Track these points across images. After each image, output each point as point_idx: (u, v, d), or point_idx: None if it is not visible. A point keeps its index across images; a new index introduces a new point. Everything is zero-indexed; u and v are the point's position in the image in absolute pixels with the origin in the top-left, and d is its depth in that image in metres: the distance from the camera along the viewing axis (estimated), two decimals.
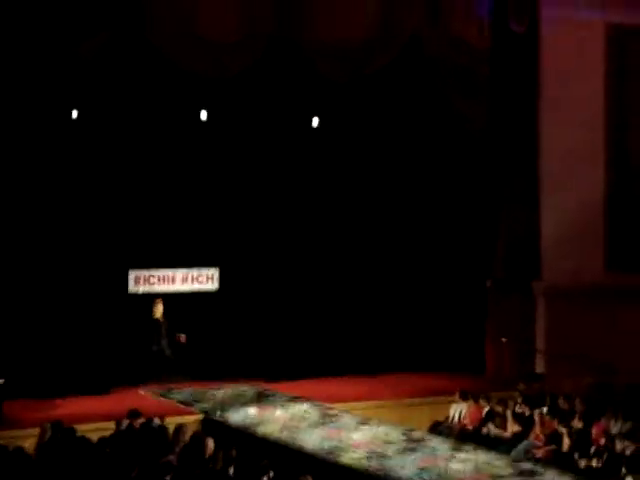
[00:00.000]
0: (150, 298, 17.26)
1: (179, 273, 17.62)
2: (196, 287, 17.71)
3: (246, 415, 14.82)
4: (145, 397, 16.27)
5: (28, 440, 12.51)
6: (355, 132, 18.21)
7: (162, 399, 16.10)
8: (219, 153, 17.67)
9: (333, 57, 16.36)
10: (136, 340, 17.11)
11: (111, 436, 12.35)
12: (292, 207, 18.18)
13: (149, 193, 17.33)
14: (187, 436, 12.01)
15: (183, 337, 16.41)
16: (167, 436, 12.13)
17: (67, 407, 15.54)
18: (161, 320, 16.51)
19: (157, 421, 13.02)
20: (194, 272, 17.70)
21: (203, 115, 17.12)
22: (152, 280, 17.38)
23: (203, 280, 17.77)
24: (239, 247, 17.96)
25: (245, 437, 13.78)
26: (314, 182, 18.27)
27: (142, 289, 17.31)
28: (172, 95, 16.83)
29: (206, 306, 17.75)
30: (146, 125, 17.01)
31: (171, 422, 13.59)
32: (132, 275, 17.25)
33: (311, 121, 17.71)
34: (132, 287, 17.26)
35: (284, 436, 13.56)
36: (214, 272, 17.82)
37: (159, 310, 16.55)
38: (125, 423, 12.76)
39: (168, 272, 17.55)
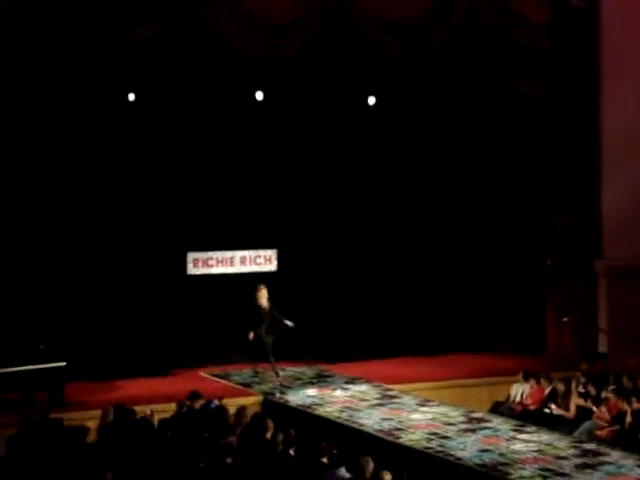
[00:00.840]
0: (207, 280, 17.34)
1: (237, 255, 17.66)
2: (255, 269, 17.73)
3: (305, 396, 14.84)
4: (204, 379, 16.38)
5: (90, 422, 12.64)
6: (412, 112, 18.06)
7: (222, 381, 16.19)
8: (276, 135, 17.65)
9: (390, 33, 16.19)
10: (195, 322, 17.22)
11: (172, 418, 12.43)
12: (349, 187, 18.09)
13: (207, 176, 17.37)
14: (248, 417, 12.07)
15: (290, 323, 15.92)
16: (227, 418, 12.18)
17: (128, 389, 15.69)
18: (265, 305, 16.04)
19: (217, 402, 13.09)
20: (252, 254, 17.73)
21: (259, 96, 17.08)
22: (210, 262, 17.45)
23: (261, 262, 17.79)
24: (297, 228, 17.94)
25: (305, 418, 13.81)
26: (373, 162, 18.16)
27: (201, 271, 17.37)
28: (228, 77, 16.84)
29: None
30: (203, 107, 17.05)
31: (231, 404, 13.69)
32: (190, 257, 17.33)
33: (367, 100, 17.58)
34: (191, 269, 17.33)
35: (344, 417, 13.56)
36: (272, 253, 17.83)
37: (263, 295, 16.07)
38: (186, 405, 12.83)
39: (226, 254, 17.59)
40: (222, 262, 17.54)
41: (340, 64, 17.07)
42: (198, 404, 12.82)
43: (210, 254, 17.45)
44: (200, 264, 17.38)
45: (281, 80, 17.04)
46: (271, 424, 11.22)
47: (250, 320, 15.88)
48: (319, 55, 16.72)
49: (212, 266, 17.46)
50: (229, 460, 10.01)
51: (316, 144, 17.79)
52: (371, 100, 17.61)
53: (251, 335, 15.75)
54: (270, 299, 16.03)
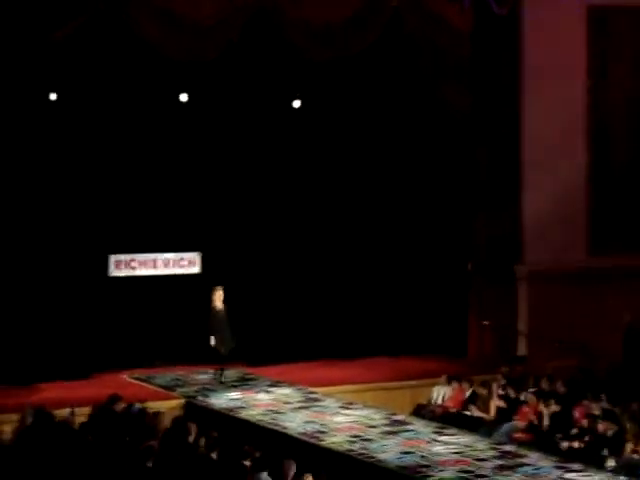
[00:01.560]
0: (130, 282, 17.21)
1: (160, 257, 17.55)
2: (178, 271, 17.65)
3: (229, 399, 14.79)
4: (127, 382, 16.22)
5: (7, 425, 12.42)
6: (337, 115, 18.12)
7: (144, 384, 16.05)
8: (200, 137, 17.57)
9: (314, 37, 16.25)
10: (117, 324, 17.06)
11: (92, 421, 12.29)
12: (273, 190, 18.09)
13: (129, 177, 17.22)
14: (167, 421, 11.99)
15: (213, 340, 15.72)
16: (149, 421, 12.08)
17: (48, 392, 15.46)
18: (220, 308, 15.91)
19: (138, 406, 12.97)
20: (175, 256, 17.64)
21: (183, 97, 17.01)
22: (133, 264, 17.32)
23: (185, 264, 17.71)
24: (221, 231, 17.87)
25: (228, 421, 13.76)
26: (295, 165, 18.19)
27: (123, 273, 17.23)
28: (152, 78, 16.72)
29: (188, 290, 17.68)
30: (125, 108, 16.89)
31: (153, 407, 13.58)
32: (113, 259, 17.17)
33: (292, 103, 17.62)
34: (113, 271, 17.18)
35: (267, 420, 13.55)
36: (196, 256, 17.76)
37: (219, 298, 15.93)
38: (106, 408, 12.70)
39: (149, 256, 17.47)
40: (145, 264, 17.41)
41: (265, 67, 17.08)
42: (119, 407, 12.69)
43: (133, 256, 17.32)
44: (123, 266, 17.23)
45: (205, 82, 16.98)
46: (193, 427, 11.16)
47: (206, 324, 15.86)
48: (244, 57, 16.69)
49: (135, 268, 17.32)
50: (150, 464, 9.93)
51: (240, 147, 17.75)
52: (296, 103, 17.64)
53: (212, 341, 15.71)
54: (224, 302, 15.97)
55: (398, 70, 17.79)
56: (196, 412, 14.25)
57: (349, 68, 17.31)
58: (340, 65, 17.05)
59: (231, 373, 16.50)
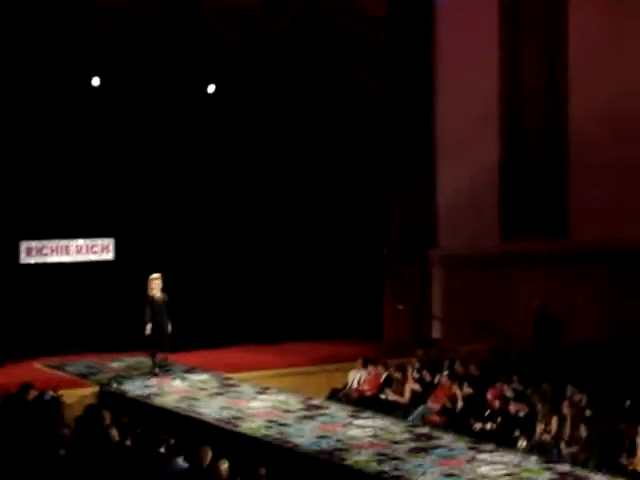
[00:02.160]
0: (42, 269, 16.93)
1: (73, 244, 17.30)
2: (91, 257, 17.43)
3: (144, 386, 14.67)
4: (39, 370, 15.97)
5: None
6: (252, 100, 18.04)
7: (57, 372, 15.82)
8: (113, 121, 17.33)
9: (230, 20, 16.16)
10: (29, 312, 16.77)
11: (2, 410, 12.06)
12: (188, 175, 17.95)
13: (40, 162, 16.90)
14: (81, 410, 11.84)
15: (170, 327, 15.17)
16: (61, 409, 11.91)
17: None
18: (159, 297, 15.23)
19: (51, 394, 12.78)
20: (89, 242, 17.40)
21: (95, 81, 16.76)
22: (45, 251, 17.04)
23: (98, 250, 17.49)
24: (135, 217, 17.67)
25: (143, 408, 13.64)
26: (210, 150, 18.06)
27: (34, 260, 16.94)
28: (64, 61, 16.43)
29: (102, 276, 17.47)
30: (37, 91, 16.56)
31: (66, 395, 13.40)
32: (24, 246, 16.87)
33: (207, 88, 17.49)
34: (24, 258, 16.87)
35: (183, 406, 13.47)
36: (109, 242, 17.55)
37: (157, 286, 15.24)
38: (17, 397, 12.48)
39: (61, 243, 17.21)
40: (57, 251, 17.14)
41: (180, 51, 16.91)
42: (31, 396, 12.48)
43: (44, 242, 17.03)
44: (34, 252, 16.94)
45: (119, 66, 16.75)
46: (107, 415, 11.03)
47: (143, 312, 15.21)
48: (159, 41, 16.51)
49: (47, 255, 17.04)
50: (62, 452, 9.79)
51: (154, 131, 17.56)
52: (211, 88, 17.52)
53: (148, 328, 15.08)
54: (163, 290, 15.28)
55: (314, 55, 17.78)
56: (110, 400, 14.10)
57: (265, 53, 17.27)
58: (256, 50, 17.01)
59: (146, 360, 16.36)
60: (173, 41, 16.74)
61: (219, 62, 17.29)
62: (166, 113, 17.53)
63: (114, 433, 10.36)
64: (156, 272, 17.03)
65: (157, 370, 15.24)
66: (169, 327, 15.22)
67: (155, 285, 15.24)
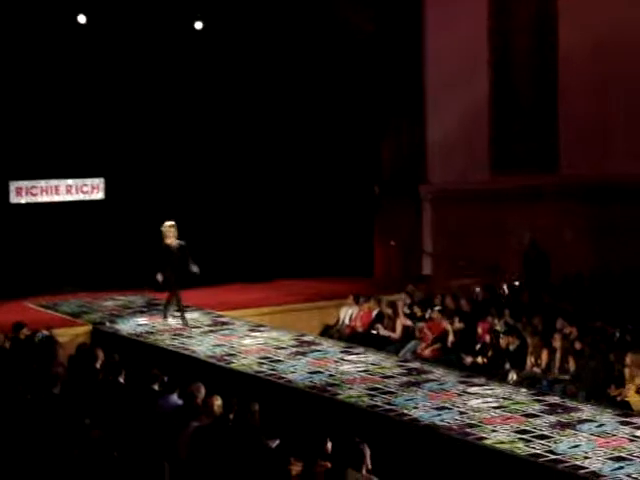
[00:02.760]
0: (32, 209, 16.91)
1: (63, 184, 17.25)
2: (81, 197, 17.39)
3: (136, 325, 14.74)
4: (32, 309, 16.02)
5: None
6: (241, 38, 17.87)
7: (49, 311, 15.88)
8: (100, 60, 17.18)
9: None
10: (20, 252, 16.79)
11: None
12: (177, 114, 17.85)
13: (29, 102, 16.79)
14: (73, 348, 11.90)
15: (196, 268, 14.44)
16: (55, 348, 11.97)
17: None
18: (174, 245, 14.46)
19: (45, 333, 12.84)
20: (79, 182, 17.36)
21: (81, 19, 16.58)
22: (34, 191, 17.01)
23: (88, 190, 17.46)
24: (125, 156, 17.61)
25: (136, 346, 13.73)
26: (199, 90, 17.94)
27: (25, 200, 16.91)
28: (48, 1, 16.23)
29: (92, 216, 17.46)
30: (24, 30, 16.40)
31: (59, 334, 13.46)
32: (13, 186, 16.82)
33: (194, 24, 17.31)
34: (13, 198, 16.83)
35: (175, 344, 13.55)
36: (99, 182, 17.51)
37: (172, 233, 14.49)
38: (9, 335, 12.54)
39: (51, 183, 17.16)
40: (47, 191, 17.11)
41: None
42: (23, 335, 12.54)
43: (34, 182, 16.98)
44: (24, 193, 16.90)
45: (105, 3, 16.55)
46: (100, 353, 11.10)
47: (155, 261, 14.49)
48: None
49: (36, 195, 17.01)
50: (56, 390, 9.86)
51: (142, 70, 17.43)
52: (198, 25, 17.34)
53: (159, 277, 14.46)
54: (179, 238, 14.55)
55: None
56: (103, 338, 14.17)
57: None
58: None
59: (137, 299, 16.43)
60: None
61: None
62: (154, 50, 17.38)
63: (108, 371, 10.42)
64: (146, 212, 17.03)
65: (184, 320, 14.60)
66: (195, 268, 14.46)
67: (170, 233, 14.52)
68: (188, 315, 15.16)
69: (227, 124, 18.22)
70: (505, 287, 16.77)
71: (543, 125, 19.34)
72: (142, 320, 15.06)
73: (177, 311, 14.75)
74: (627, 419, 10.18)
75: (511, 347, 13.15)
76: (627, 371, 11.71)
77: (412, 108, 18.53)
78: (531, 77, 19.28)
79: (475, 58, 18.68)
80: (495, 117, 19.08)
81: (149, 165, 17.73)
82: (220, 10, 17.36)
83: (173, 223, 14.64)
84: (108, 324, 14.81)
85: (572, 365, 12.40)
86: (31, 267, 16.95)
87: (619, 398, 11.60)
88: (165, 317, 14.81)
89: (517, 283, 16.65)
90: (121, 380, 10.38)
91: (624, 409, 10.89)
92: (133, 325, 14.73)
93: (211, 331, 14.35)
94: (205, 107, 18.03)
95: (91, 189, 17.47)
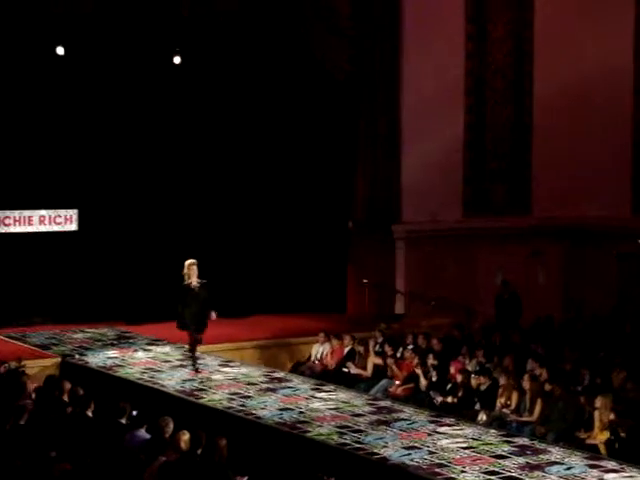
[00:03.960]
0: (5, 240, 16.83)
1: (36, 214, 17.19)
2: (55, 228, 17.33)
3: (106, 357, 14.66)
4: (1, 341, 15.89)
5: None
6: (217, 72, 17.92)
7: (19, 343, 15.75)
8: (77, 91, 17.17)
9: None
10: None
11: None
12: (153, 146, 17.84)
13: (2, 132, 16.74)
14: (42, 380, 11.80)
15: (214, 314, 13.86)
16: (23, 380, 11.86)
17: None
18: (196, 285, 13.75)
19: (13, 364, 12.74)
20: (52, 213, 17.30)
21: (60, 51, 16.59)
22: (7, 221, 16.92)
23: (62, 221, 17.40)
24: (98, 188, 17.57)
25: (105, 379, 13.63)
26: (174, 121, 17.94)
27: None
28: (28, 31, 16.23)
29: (65, 247, 17.38)
30: (1, 62, 16.39)
31: (28, 365, 13.36)
32: None
33: (172, 59, 17.37)
34: None
35: (145, 378, 13.47)
36: (73, 213, 17.46)
37: (194, 273, 13.72)
38: None
39: (25, 213, 17.10)
40: (20, 221, 17.03)
41: (144, 20, 16.76)
42: None
43: (7, 213, 16.92)
44: None
45: (83, 35, 16.59)
46: (68, 385, 11.02)
47: (176, 301, 13.82)
48: (123, 10, 16.37)
49: (9, 225, 16.93)
50: (23, 422, 9.77)
51: (119, 101, 17.43)
52: (177, 59, 17.40)
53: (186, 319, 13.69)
54: (200, 277, 13.73)
55: (280, 27, 17.68)
56: (72, 371, 14.07)
57: (232, 25, 17.15)
58: (223, 23, 16.87)
59: (108, 331, 16.36)
60: (136, 10, 16.57)
61: (184, 33, 17.15)
62: (131, 83, 17.40)
63: (75, 404, 10.35)
64: (119, 244, 16.93)
65: (198, 366, 13.87)
66: (213, 315, 13.89)
67: (192, 272, 13.72)
68: (159, 349, 15.09)
69: (202, 160, 18.21)
70: (477, 327, 16.84)
71: (517, 167, 19.56)
72: (112, 353, 14.97)
73: (189, 351, 14.10)
74: (596, 462, 10.20)
75: (482, 387, 13.17)
76: (596, 414, 11.75)
77: (387, 147, 18.64)
78: (506, 119, 19.51)
79: (451, 100, 18.86)
80: (469, 158, 19.25)
81: (123, 197, 17.68)
82: (199, 46, 17.41)
83: (194, 261, 13.82)
84: (77, 356, 14.71)
85: (541, 407, 12.42)
86: (1, 298, 16.82)
87: (587, 441, 11.63)
88: (197, 370, 13.76)
89: (488, 324, 16.72)
90: (89, 413, 10.30)
91: (593, 452, 10.91)
92: (103, 358, 14.64)
93: (182, 366, 14.28)
94: (181, 143, 18.03)
95: (64, 220, 17.41)
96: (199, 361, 14.04)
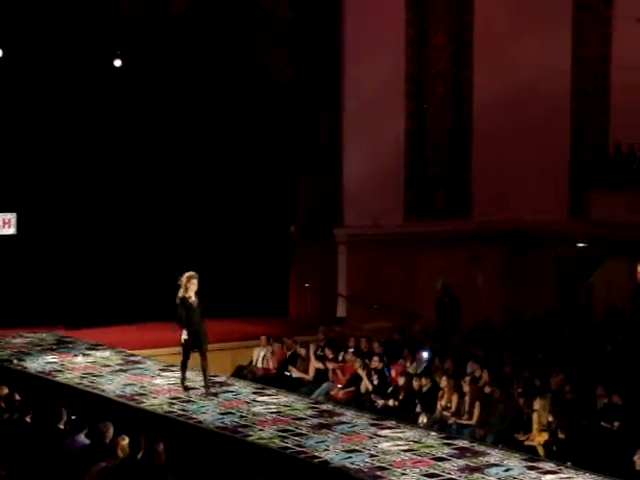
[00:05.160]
0: None
1: None
2: None
3: (45, 363, 14.49)
4: None
5: None
6: (158, 76, 17.84)
7: None
8: (15, 95, 16.99)
9: None
10: None
11: None
12: (92, 150, 17.69)
13: None
14: None
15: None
16: None
17: None
18: (194, 300, 12.78)
19: None
20: None
21: None
22: None
23: (0, 225, 17.18)
24: (37, 191, 17.39)
25: (44, 385, 13.48)
26: (117, 124, 17.83)
27: None
28: None
29: (3, 251, 17.16)
30: None
31: None
32: None
33: (113, 62, 17.26)
34: None
35: (85, 383, 13.35)
36: (11, 217, 17.25)
37: (194, 286, 12.74)
38: None
39: None
40: None
41: (84, 24, 16.63)
42: None
43: None
44: None
45: (22, 38, 16.41)
46: (5, 390, 10.88)
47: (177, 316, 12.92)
48: (63, 13, 16.23)
49: None
50: None
51: (57, 103, 17.27)
52: (117, 62, 17.29)
53: (185, 334, 12.78)
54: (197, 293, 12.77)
55: (222, 31, 17.67)
56: (10, 376, 13.87)
57: (173, 27, 17.08)
58: (163, 25, 16.80)
59: (47, 336, 16.18)
60: (76, 13, 16.44)
61: (125, 36, 17.05)
62: (69, 86, 17.25)
63: (14, 409, 10.23)
64: (59, 248, 16.76)
65: (210, 389, 12.82)
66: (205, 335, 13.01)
67: (191, 285, 12.72)
68: (99, 353, 14.96)
69: (143, 164, 18.11)
70: (418, 330, 16.95)
71: (457, 171, 19.74)
72: (51, 358, 14.81)
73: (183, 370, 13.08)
74: (534, 464, 10.32)
75: (423, 389, 13.26)
76: (535, 416, 11.90)
77: (329, 151, 18.70)
78: (446, 124, 19.68)
79: (392, 103, 18.99)
80: (410, 163, 19.39)
81: (62, 200, 17.52)
82: (140, 49, 17.31)
83: (194, 274, 12.78)
84: (16, 361, 14.52)
85: (480, 409, 12.54)
86: None
87: (526, 443, 11.76)
88: (185, 387, 12.93)
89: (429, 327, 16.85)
90: (27, 419, 10.19)
91: (531, 454, 11.04)
92: (42, 363, 14.47)
93: (122, 370, 14.17)
94: (121, 147, 17.90)
95: (2, 224, 17.20)
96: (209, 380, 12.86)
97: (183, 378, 13.06)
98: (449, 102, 19.64)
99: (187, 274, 12.78)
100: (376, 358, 14.32)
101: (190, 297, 12.74)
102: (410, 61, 19.18)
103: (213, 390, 12.82)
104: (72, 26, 16.58)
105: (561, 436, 11.51)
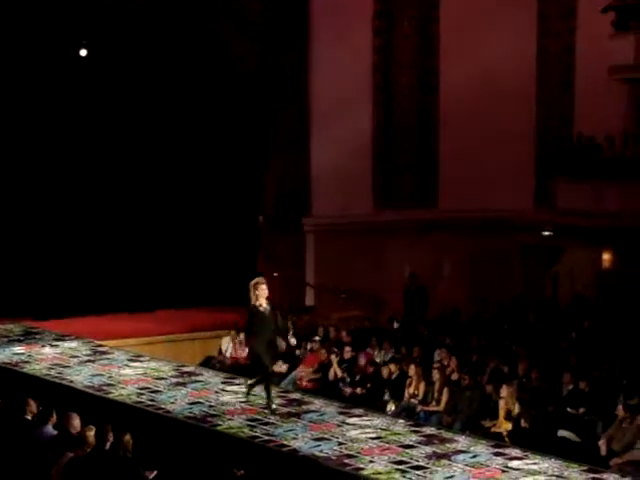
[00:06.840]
0: None
1: None
2: None
3: (12, 353, 14.43)
4: None
5: None
6: (125, 66, 17.76)
7: None
8: None
9: None
10: None
11: None
12: (61, 139, 17.60)
13: None
14: None
15: (284, 344, 12.34)
16: None
17: None
18: (266, 307, 11.65)
19: None
20: None
21: None
22: None
23: None
24: (9, 182, 17.27)
25: (11, 375, 13.43)
26: (84, 116, 17.74)
27: None
28: None
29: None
30: None
31: None
32: None
33: (79, 51, 17.17)
34: None
35: (53, 373, 13.32)
36: None
37: (264, 293, 11.68)
38: None
39: None
40: None
41: (51, 11, 16.53)
42: None
43: None
44: None
45: None
46: None
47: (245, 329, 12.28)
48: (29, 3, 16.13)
49: None
50: None
51: (23, 95, 17.15)
52: (83, 52, 17.19)
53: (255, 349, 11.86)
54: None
55: (188, 21, 17.62)
56: None
57: (139, 17, 17.01)
58: (130, 14, 16.72)
59: (14, 327, 16.10)
60: (43, 2, 16.35)
61: (91, 26, 16.96)
62: (35, 76, 17.12)
63: None
64: (26, 239, 16.65)
65: (273, 407, 11.60)
66: (282, 344, 12.51)
67: (261, 291, 11.68)
68: (67, 344, 14.91)
69: (108, 153, 18.03)
70: (387, 319, 17.04)
71: (423, 161, 19.82)
72: (19, 349, 14.75)
73: (252, 385, 11.99)
74: (500, 450, 10.42)
75: (392, 377, 13.33)
76: (502, 403, 12.01)
77: (296, 141, 18.71)
78: (413, 113, 19.76)
79: (359, 93, 19.04)
80: (377, 152, 19.46)
81: (27, 191, 17.41)
82: (106, 39, 17.23)
83: (261, 279, 11.86)
84: None
85: (447, 396, 12.64)
86: None
87: (492, 429, 11.88)
88: (272, 411, 11.54)
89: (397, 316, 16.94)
90: None
91: (498, 440, 11.15)
92: (9, 354, 14.41)
93: (90, 361, 14.14)
94: (87, 136, 17.82)
95: None
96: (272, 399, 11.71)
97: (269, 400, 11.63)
98: (416, 92, 19.71)
99: (253, 281, 11.76)
100: (348, 348, 14.39)
101: (261, 305, 11.63)
102: (377, 51, 19.23)
103: (274, 407, 11.62)
104: (38, 15, 16.45)
105: (525, 425, 11.63)
